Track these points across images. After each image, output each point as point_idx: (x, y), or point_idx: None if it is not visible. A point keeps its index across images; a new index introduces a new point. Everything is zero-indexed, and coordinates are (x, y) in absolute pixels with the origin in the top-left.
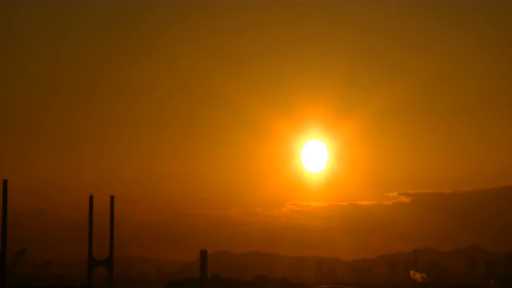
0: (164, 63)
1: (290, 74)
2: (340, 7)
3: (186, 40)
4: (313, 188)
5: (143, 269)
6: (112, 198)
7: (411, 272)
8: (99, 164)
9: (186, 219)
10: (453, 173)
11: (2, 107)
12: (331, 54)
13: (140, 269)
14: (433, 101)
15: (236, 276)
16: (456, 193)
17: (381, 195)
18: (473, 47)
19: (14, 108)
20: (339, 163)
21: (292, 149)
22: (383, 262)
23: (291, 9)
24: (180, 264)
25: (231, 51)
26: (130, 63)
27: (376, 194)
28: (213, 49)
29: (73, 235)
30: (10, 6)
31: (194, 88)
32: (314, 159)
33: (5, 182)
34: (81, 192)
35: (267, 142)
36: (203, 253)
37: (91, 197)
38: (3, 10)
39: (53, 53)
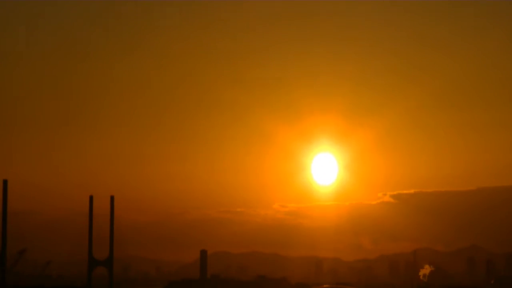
0: (165, 62)
1: (295, 75)
2: (353, 1)
3: (183, 38)
4: (308, 189)
5: (143, 269)
6: (112, 198)
7: (421, 274)
8: (99, 164)
9: (185, 219)
10: (452, 172)
11: (2, 107)
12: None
13: (140, 269)
14: (431, 101)
15: (236, 276)
16: (454, 193)
17: (373, 195)
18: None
19: (14, 108)
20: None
21: (288, 149)
22: (383, 262)
23: (298, 2)
24: (180, 264)
25: (231, 48)
26: (129, 62)
27: (366, 194)
28: (211, 46)
29: (73, 235)
30: None
31: (195, 89)
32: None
33: (5, 182)
34: (81, 192)
35: (267, 145)
36: (203, 253)
37: (91, 197)
38: None
39: (52, 52)
